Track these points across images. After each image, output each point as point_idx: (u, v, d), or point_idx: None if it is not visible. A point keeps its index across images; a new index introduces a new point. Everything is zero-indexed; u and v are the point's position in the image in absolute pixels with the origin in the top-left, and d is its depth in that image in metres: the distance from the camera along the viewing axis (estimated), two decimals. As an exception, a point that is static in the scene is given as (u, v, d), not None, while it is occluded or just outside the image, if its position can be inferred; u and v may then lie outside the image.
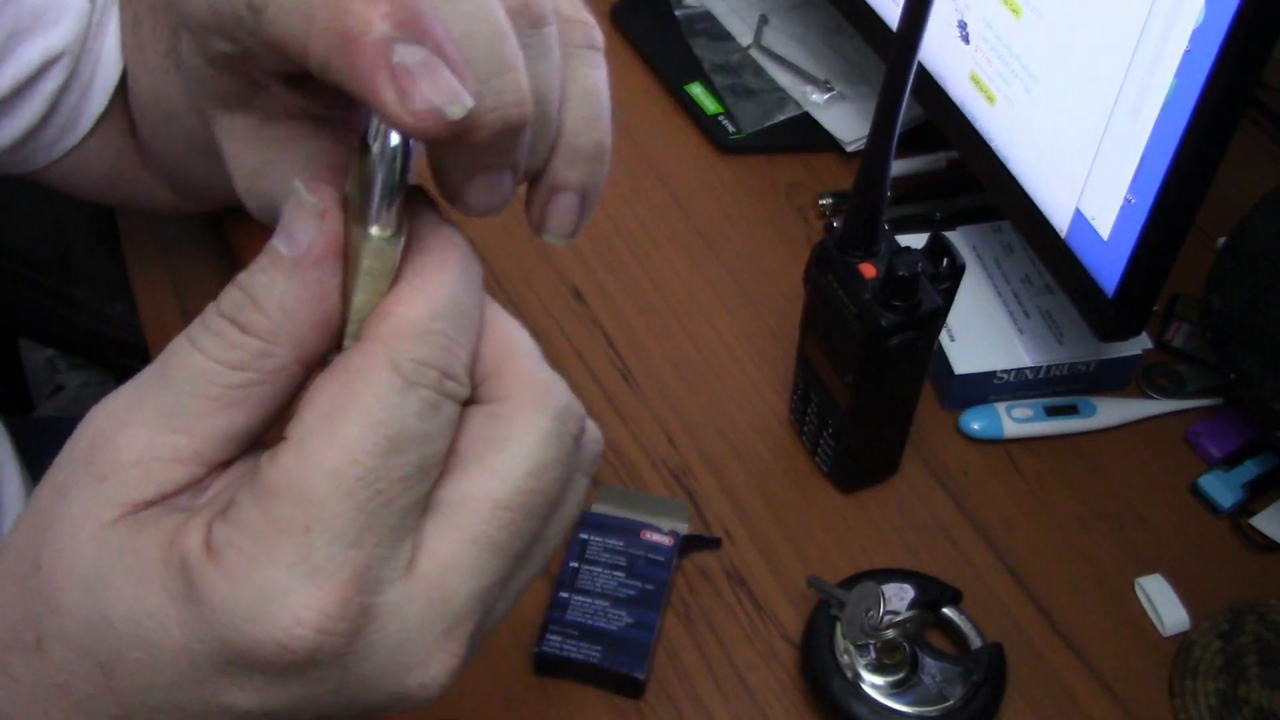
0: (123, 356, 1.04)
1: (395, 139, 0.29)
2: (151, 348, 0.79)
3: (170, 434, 0.29)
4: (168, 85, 0.56)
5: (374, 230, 0.29)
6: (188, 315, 0.80)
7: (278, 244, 0.29)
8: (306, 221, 0.29)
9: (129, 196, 0.65)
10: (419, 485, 0.29)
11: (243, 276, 0.30)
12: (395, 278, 0.30)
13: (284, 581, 0.27)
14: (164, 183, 0.64)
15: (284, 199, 0.30)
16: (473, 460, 0.30)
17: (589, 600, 0.58)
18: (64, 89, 0.57)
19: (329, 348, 0.31)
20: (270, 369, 0.29)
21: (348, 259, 0.30)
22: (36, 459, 0.75)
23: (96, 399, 0.30)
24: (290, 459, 0.28)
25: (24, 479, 0.70)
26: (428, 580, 0.29)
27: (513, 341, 0.31)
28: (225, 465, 0.30)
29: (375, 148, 0.29)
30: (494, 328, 0.31)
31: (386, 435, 0.28)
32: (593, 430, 0.33)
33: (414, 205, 0.31)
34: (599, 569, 0.59)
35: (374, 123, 0.29)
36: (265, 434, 0.31)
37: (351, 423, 0.28)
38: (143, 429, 0.29)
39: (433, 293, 0.30)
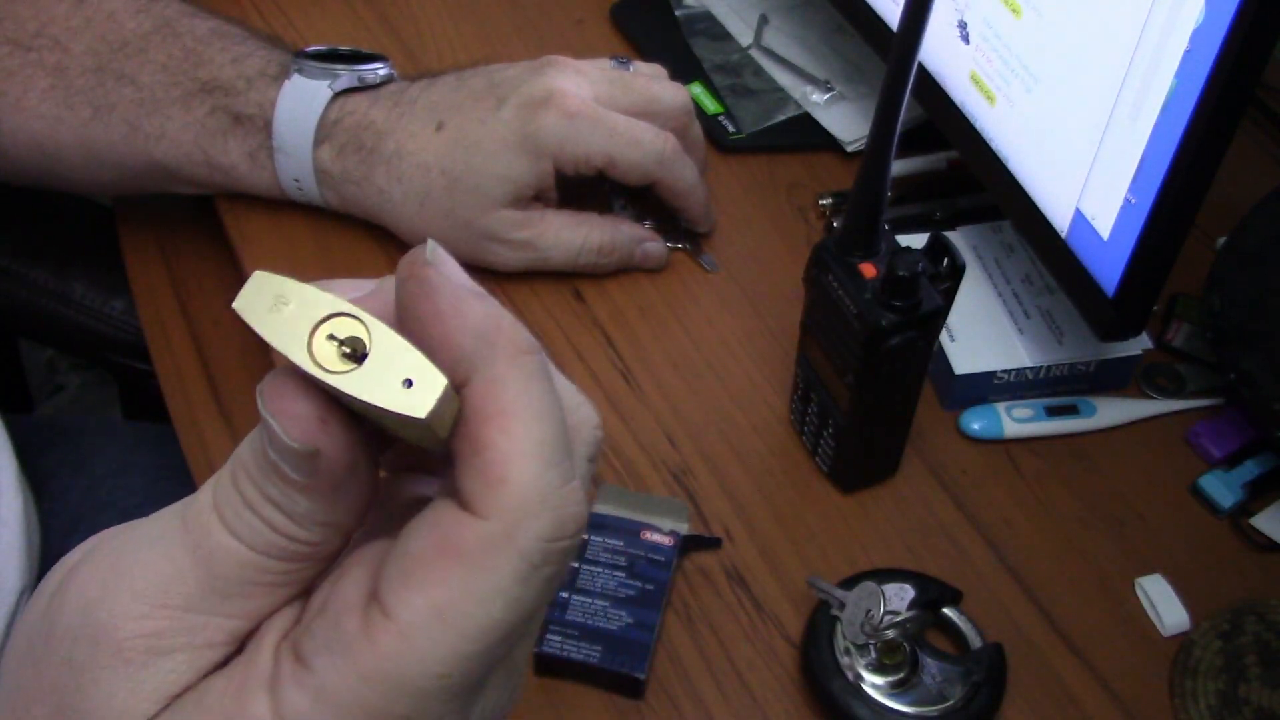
0: (122, 356, 1.04)
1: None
2: (151, 347, 0.79)
3: (216, 617, 0.27)
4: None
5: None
6: (187, 314, 0.80)
7: (283, 466, 0.26)
8: (296, 460, 0.26)
9: None
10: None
11: (270, 452, 0.26)
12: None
13: None
14: None
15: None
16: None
17: (589, 600, 0.58)
18: None
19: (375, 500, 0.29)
20: (323, 556, 0.28)
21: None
22: (36, 459, 0.75)
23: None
24: (393, 646, 0.25)
25: (22, 479, 0.70)
26: None
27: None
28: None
29: None
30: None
31: (502, 632, 0.25)
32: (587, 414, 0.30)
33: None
34: (599, 569, 0.59)
35: None
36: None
37: (470, 622, 0.25)
38: (184, 613, 0.27)
39: (538, 433, 0.25)
